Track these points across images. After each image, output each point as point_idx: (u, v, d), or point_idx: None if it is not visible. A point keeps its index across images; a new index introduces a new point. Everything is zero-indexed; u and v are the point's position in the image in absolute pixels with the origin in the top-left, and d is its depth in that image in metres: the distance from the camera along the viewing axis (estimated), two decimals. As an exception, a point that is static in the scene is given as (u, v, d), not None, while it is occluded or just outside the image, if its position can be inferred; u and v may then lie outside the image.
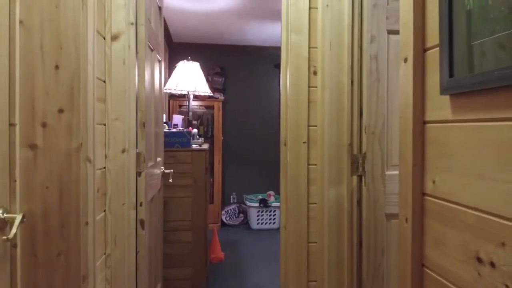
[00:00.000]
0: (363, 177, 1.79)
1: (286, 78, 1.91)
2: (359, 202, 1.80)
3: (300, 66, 1.87)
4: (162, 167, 2.57)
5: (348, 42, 1.79)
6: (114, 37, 1.72)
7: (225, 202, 5.23)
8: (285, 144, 1.92)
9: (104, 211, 1.69)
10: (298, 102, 1.86)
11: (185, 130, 3.13)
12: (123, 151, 1.72)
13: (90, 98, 1.40)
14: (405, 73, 1.08)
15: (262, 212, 4.88)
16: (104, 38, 1.69)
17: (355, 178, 1.80)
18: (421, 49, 1.05)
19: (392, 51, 1.79)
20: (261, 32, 4.72)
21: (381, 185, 1.77)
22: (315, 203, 1.87)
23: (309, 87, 1.88)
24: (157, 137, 2.39)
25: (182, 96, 4.89)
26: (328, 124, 1.79)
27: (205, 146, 3.22)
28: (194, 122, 5.09)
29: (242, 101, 5.32)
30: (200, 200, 2.95)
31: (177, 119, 3.50)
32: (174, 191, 2.92)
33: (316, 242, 1.87)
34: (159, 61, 2.52)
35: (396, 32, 1.79)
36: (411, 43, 1.05)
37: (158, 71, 2.48)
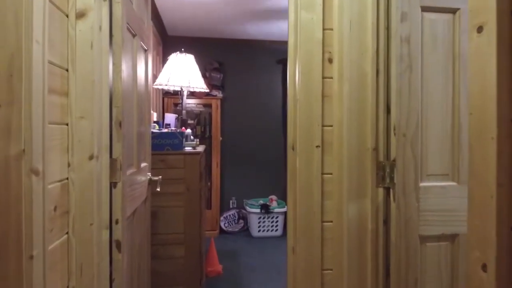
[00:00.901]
0: (391, 190, 1.44)
1: (295, 67, 1.56)
2: (386, 221, 1.45)
3: (312, 52, 1.52)
4: (149, 174, 2.22)
5: (372, 21, 1.44)
6: (80, 15, 1.37)
7: (223, 208, 4.88)
8: (293, 148, 1.57)
9: (67, 233, 1.34)
10: (309, 97, 1.51)
11: (177, 130, 2.79)
12: (91, 157, 1.38)
13: (38, 89, 1.05)
14: (480, 48, 0.73)
15: (263, 218, 4.53)
16: (67, 16, 1.34)
17: (381, 191, 1.45)
18: (508, 10, 0.69)
19: (428, 32, 1.44)
20: (262, 25, 4.37)
21: (414, 199, 1.42)
22: (331, 221, 1.52)
23: (323, 78, 1.52)
24: (141, 139, 2.04)
25: (177, 94, 4.54)
26: (347, 124, 1.44)
27: (200, 148, 2.88)
28: (190, 121, 4.74)
29: (242, 99, 4.97)
30: (194, 210, 2.60)
31: (170, 118, 3.15)
32: (164, 199, 2.57)
33: (332, 269, 1.52)
34: (145, 51, 2.17)
35: (433, 9, 1.44)
36: (493, 2, 0.70)
37: (144, 61, 2.14)
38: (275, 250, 4.12)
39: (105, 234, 1.49)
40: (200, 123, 4.83)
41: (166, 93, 4.50)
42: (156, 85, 2.93)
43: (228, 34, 4.71)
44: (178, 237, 2.59)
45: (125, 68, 1.64)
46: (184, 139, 2.63)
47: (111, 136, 1.52)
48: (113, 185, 1.54)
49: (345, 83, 1.45)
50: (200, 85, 2.95)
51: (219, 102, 4.66)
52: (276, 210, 4.54)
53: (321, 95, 1.51)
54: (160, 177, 2.24)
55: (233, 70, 4.95)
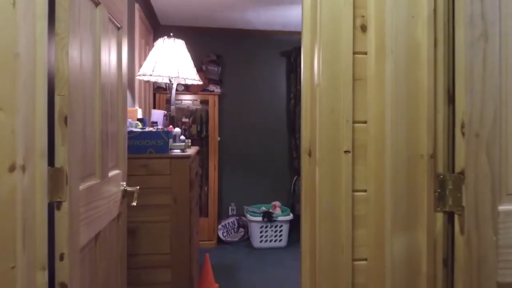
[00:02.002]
0: (456, 216, 0.98)
1: (313, 38, 1.10)
2: (448, 262, 1.00)
3: (338, 16, 1.06)
4: (123, 183, 1.77)
5: (428, -32, 0.99)
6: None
7: (222, 215, 4.43)
8: (309, 154, 1.12)
9: (-27, 283, 0.89)
10: (334, 81, 1.06)
11: (164, 129, 2.34)
12: (13, 168, 0.92)
13: None
14: None
15: (266, 227, 4.08)
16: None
17: (440, 217, 1.00)
18: None
19: (511, -16, 0.98)
20: (265, 14, 3.92)
21: (491, 230, 0.96)
22: (365, 260, 1.07)
23: (354, 53, 1.07)
24: (111, 140, 1.59)
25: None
26: (392, 119, 0.98)
27: (192, 150, 2.42)
28: (185, 119, 4.29)
29: (242, 95, 4.52)
30: (182, 226, 2.15)
31: (157, 115, 2.70)
32: (146, 213, 2.12)
33: (367, 329, 1.07)
34: (118, 29, 1.72)
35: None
36: None
37: (116, 42, 1.68)
38: (278, 263, 3.66)
39: (42, 276, 1.04)
40: (196, 121, 4.38)
41: (158, 88, 4.05)
42: (139, 75, 2.48)
43: (227, 23, 4.26)
44: (163, 258, 2.14)
45: (77, 44, 1.19)
46: (170, 140, 2.17)
47: (51, 137, 1.08)
48: (55, 205, 1.10)
49: (387, 59, 0.99)
50: (192, 76, 2.49)
51: (216, 98, 4.20)
52: (280, 218, 4.08)
53: (351, 78, 1.06)
54: (138, 187, 1.79)
55: (232, 63, 4.49)
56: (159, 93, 4.08)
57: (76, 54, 1.18)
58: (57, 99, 1.10)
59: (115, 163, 1.68)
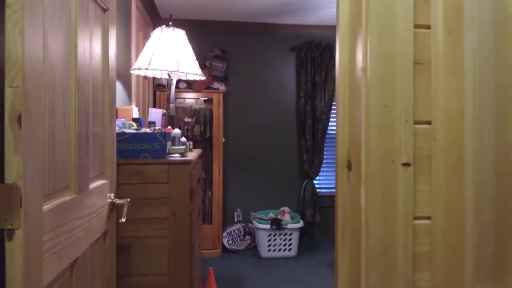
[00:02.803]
0: None
1: (361, 3, 0.81)
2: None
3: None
4: (111, 195, 1.49)
5: None
6: None
7: (227, 222, 4.14)
8: (349, 167, 0.82)
9: None
10: (387, 65, 0.76)
11: (161, 130, 2.05)
12: None
13: None
14: None
15: (274, 235, 3.78)
16: None
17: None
18: None
19: None
20: (273, 5, 3.63)
21: None
22: (431, 315, 0.77)
23: (415, 27, 0.77)
24: (95, 143, 1.31)
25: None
26: (474, 119, 0.69)
27: (193, 154, 2.14)
28: (188, 119, 4.01)
29: (249, 93, 4.23)
30: (182, 242, 1.86)
31: (155, 114, 2.42)
32: (140, 228, 1.84)
33: None
34: (103, 11, 1.43)
35: None
36: None
37: (101, 27, 1.40)
38: (288, 275, 3.37)
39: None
40: (199, 121, 4.10)
41: (158, 86, 3.77)
42: (134, 69, 2.20)
43: (232, 15, 3.97)
44: (160, 280, 1.86)
45: (39, 21, 0.90)
46: (168, 143, 1.89)
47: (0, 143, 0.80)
48: (6, 235, 0.82)
49: (466, 33, 0.70)
50: (194, 70, 2.20)
51: (221, 96, 3.91)
52: (290, 226, 3.79)
53: (411, 62, 0.76)
54: (128, 200, 1.51)
55: (238, 58, 4.20)
56: (160, 90, 3.79)
57: (37, 35, 0.89)
58: (7, 92, 0.81)
59: (99, 172, 1.40)
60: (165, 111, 2.40)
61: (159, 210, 1.85)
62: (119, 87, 2.43)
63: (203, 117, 4.08)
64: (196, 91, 3.86)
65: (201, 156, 2.69)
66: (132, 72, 2.25)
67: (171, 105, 2.26)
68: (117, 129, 1.94)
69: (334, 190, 4.24)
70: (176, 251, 1.86)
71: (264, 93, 4.24)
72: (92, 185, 1.30)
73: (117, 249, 1.78)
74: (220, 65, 3.88)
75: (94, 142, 1.33)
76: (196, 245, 2.03)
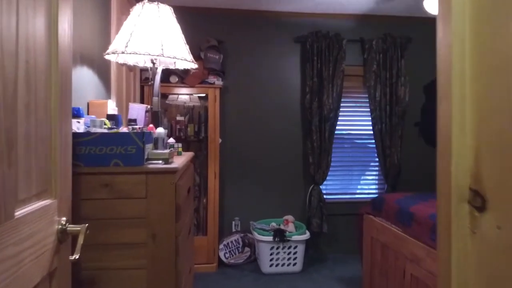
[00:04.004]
0: None
1: None
2: None
3: None
4: (63, 219, 1.07)
5: None
6: None
7: (224, 232, 3.72)
8: (475, 204, 0.39)
9: None
10: None
11: (141, 129, 1.63)
12: None
13: None
14: None
15: (277, 248, 3.36)
16: None
17: None
18: None
19: None
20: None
21: None
22: None
23: None
24: (28, 148, 0.89)
25: (164, 80, 3.39)
26: None
27: (181, 159, 1.71)
28: (180, 117, 3.58)
29: (249, 88, 3.81)
30: (164, 274, 1.44)
31: (136, 110, 1.99)
32: (110, 256, 1.42)
33: None
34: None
35: None
36: None
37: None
38: (294, 297, 2.96)
39: None
40: (194, 120, 3.67)
41: (146, 79, 3.34)
42: (108, 53, 1.77)
43: (230, 2, 3.55)
44: (135, 324, 1.43)
45: None
46: (148, 146, 1.46)
47: None
48: None
49: None
50: (183, 55, 1.78)
51: (217, 92, 3.49)
52: (295, 237, 3.37)
53: None
54: (86, 225, 1.09)
55: (236, 50, 3.78)
56: (148, 85, 3.36)
57: None
58: None
59: (40, 189, 0.97)
60: (148, 106, 1.98)
61: (134, 234, 1.42)
62: (91, 77, 2.00)
63: (197, 116, 3.65)
64: (190, 86, 3.43)
65: (192, 160, 2.27)
66: (106, 57, 1.83)
67: (155, 99, 1.84)
68: (82, 128, 1.52)
69: (343, 196, 3.79)
70: (158, 285, 1.44)
71: (266, 88, 3.82)
72: (23, 211, 0.88)
73: (79, 285, 1.36)
74: (217, 57, 3.46)
75: (29, 146, 0.90)
76: (182, 275, 1.60)
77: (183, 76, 3.42)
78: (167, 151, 1.48)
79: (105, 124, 1.68)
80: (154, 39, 1.71)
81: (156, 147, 1.61)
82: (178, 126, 3.55)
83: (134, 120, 1.84)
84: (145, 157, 1.43)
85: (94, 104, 1.88)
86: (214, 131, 3.46)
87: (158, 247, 1.43)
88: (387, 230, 2.77)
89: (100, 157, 1.39)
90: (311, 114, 3.71)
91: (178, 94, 3.57)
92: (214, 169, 3.45)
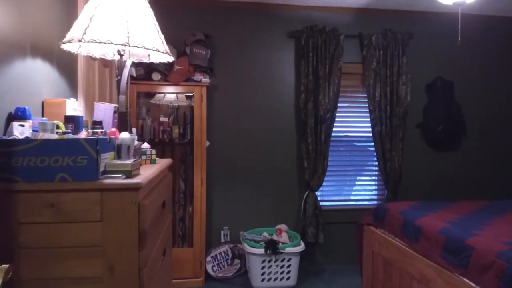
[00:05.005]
0: None
1: None
2: None
3: None
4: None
5: None
6: None
7: (211, 243, 3.42)
8: None
9: None
10: None
11: (103, 133, 1.34)
12: None
13: None
14: None
15: (269, 261, 3.08)
16: None
17: None
18: None
19: None
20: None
21: None
22: None
23: None
24: None
25: (146, 78, 3.09)
26: None
27: (150, 170, 1.42)
28: (163, 118, 3.29)
29: (238, 86, 3.52)
30: (126, 316, 1.15)
31: (103, 111, 1.70)
32: (55, 295, 1.13)
33: None
34: None
35: None
36: None
37: None
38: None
39: None
40: (179, 121, 3.38)
41: (132, 78, 3.03)
42: (64, 42, 1.47)
43: (219, -7, 3.26)
44: None
45: None
46: (104, 155, 1.17)
47: None
48: None
49: None
50: (154, 45, 1.49)
51: (204, 90, 3.19)
52: (288, 249, 3.09)
53: None
54: (6, 266, 0.80)
55: (225, 45, 3.49)
56: (135, 83, 3.06)
57: None
58: None
59: None
60: (115, 106, 1.68)
61: (87, 266, 1.13)
62: (49, 71, 1.70)
63: (182, 116, 3.36)
64: (174, 84, 3.14)
65: (170, 168, 1.98)
66: (62, 46, 1.53)
67: (121, 98, 1.54)
68: (28, 133, 1.23)
69: (340, 203, 3.50)
70: (116, 331, 1.15)
71: (257, 87, 3.53)
72: None
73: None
74: (203, 52, 3.16)
75: None
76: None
77: (167, 73, 3.12)
78: (129, 161, 1.19)
79: (58, 128, 1.39)
80: (119, 25, 1.42)
81: (119, 156, 1.32)
82: (161, 128, 3.25)
83: (100, 123, 1.55)
84: (101, 169, 1.14)
85: (50, 104, 1.58)
86: (201, 133, 3.17)
87: (117, 282, 1.14)
88: (390, 244, 2.50)
89: (42, 170, 1.10)
90: (306, 115, 3.44)
91: (164, 93, 3.27)
92: (200, 175, 3.16)
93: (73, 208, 1.12)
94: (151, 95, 3.32)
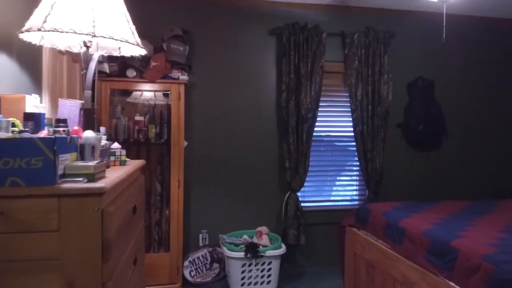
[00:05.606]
0: None
1: None
2: None
3: None
4: None
5: None
6: None
7: (189, 247, 3.30)
8: None
9: None
10: None
11: (65, 131, 1.21)
12: None
13: None
14: None
15: (249, 265, 2.98)
16: None
17: None
18: None
19: None
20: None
21: None
22: None
23: None
24: None
25: (121, 75, 2.94)
26: None
27: (118, 173, 1.30)
28: (139, 117, 3.14)
29: (218, 84, 3.41)
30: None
31: (68, 108, 1.56)
32: (5, 315, 0.99)
33: None
34: None
35: None
36: None
37: None
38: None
39: None
40: (155, 120, 3.23)
41: (99, 73, 2.87)
42: (22, 32, 1.33)
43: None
44: None
45: None
46: (63, 156, 1.05)
47: None
48: None
49: None
50: (123, 35, 1.37)
51: (182, 88, 3.06)
52: (269, 253, 3.00)
53: None
54: None
55: (204, 42, 3.37)
56: (102, 79, 2.90)
57: None
58: None
59: None
60: (80, 102, 1.55)
61: (42, 282, 1.01)
62: (7, 64, 1.55)
63: (159, 115, 3.22)
64: (149, 82, 2.99)
65: (143, 169, 1.85)
66: (21, 36, 1.39)
67: (87, 93, 1.41)
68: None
69: (321, 204, 3.43)
70: None
71: (237, 85, 3.43)
72: None
73: None
74: (181, 49, 3.04)
75: None
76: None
77: (142, 70, 2.98)
78: (92, 163, 1.07)
79: (14, 126, 1.25)
80: (83, 13, 1.29)
81: (82, 158, 1.19)
82: (137, 127, 3.10)
83: (64, 121, 1.41)
84: (59, 172, 1.02)
85: (8, 100, 1.43)
86: (178, 132, 3.04)
87: (78, 299, 1.02)
88: (373, 246, 2.44)
89: (-11, 174, 0.97)
90: (287, 114, 3.36)
91: (141, 90, 3.12)
92: (177, 177, 3.03)
93: (27, 216, 0.99)
94: (127, 93, 3.16)
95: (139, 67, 2.97)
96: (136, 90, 3.12)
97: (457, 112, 3.81)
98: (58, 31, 1.25)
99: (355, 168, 3.73)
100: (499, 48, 3.87)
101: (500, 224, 2.17)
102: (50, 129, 1.33)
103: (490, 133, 3.89)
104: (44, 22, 1.26)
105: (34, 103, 1.52)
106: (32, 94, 1.56)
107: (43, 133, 1.29)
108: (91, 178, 1.06)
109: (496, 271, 1.54)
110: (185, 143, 3.16)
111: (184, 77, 3.06)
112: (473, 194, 3.71)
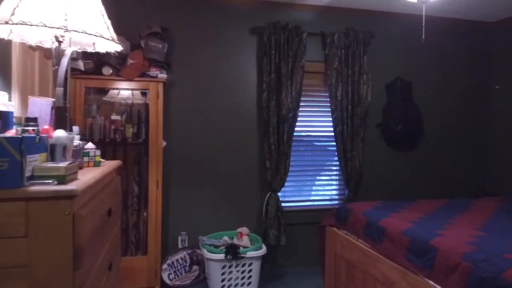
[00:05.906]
0: None
1: None
2: None
3: None
4: None
5: None
6: None
7: (168, 249, 3.23)
8: None
9: None
10: None
11: (35, 131, 1.15)
12: None
13: None
14: None
15: (230, 267, 2.94)
16: None
17: None
18: None
19: None
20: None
21: None
22: None
23: None
24: None
25: (97, 72, 2.85)
26: None
27: (92, 174, 1.24)
28: (115, 117, 3.05)
29: (197, 83, 3.35)
30: None
31: (39, 105, 1.48)
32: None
33: None
34: None
35: None
36: None
37: None
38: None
39: None
40: (132, 119, 3.15)
41: (74, 70, 2.77)
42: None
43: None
44: None
45: None
46: (31, 156, 0.98)
47: None
48: None
49: None
50: (97, 30, 1.30)
51: (160, 87, 2.99)
52: (250, 254, 2.96)
53: None
54: None
55: (184, 40, 3.30)
56: (75, 77, 2.80)
57: None
58: None
59: None
60: (52, 100, 1.47)
61: (8, 291, 0.94)
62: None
63: (136, 114, 3.13)
64: (126, 80, 2.91)
65: (118, 170, 1.78)
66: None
67: (58, 90, 1.34)
68: None
69: (301, 204, 3.42)
70: None
71: (218, 84, 3.38)
72: None
73: None
74: (159, 46, 2.96)
75: None
76: None
77: (119, 68, 2.89)
78: (63, 164, 1.01)
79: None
80: (54, 6, 1.22)
81: (52, 158, 1.13)
82: (113, 127, 3.01)
83: (35, 120, 1.33)
84: (26, 174, 0.95)
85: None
86: (156, 132, 2.97)
87: (47, 309, 0.96)
88: (353, 246, 2.45)
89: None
90: (268, 114, 3.33)
91: (118, 88, 3.03)
92: (156, 177, 2.95)
93: (-10, 221, 0.92)
94: (103, 91, 3.07)
95: (116, 65, 2.88)
96: (112, 89, 3.03)
97: (434, 112, 3.88)
98: (27, 24, 1.17)
99: (334, 168, 3.75)
100: (476, 49, 3.97)
101: (477, 222, 2.20)
102: (19, 128, 1.25)
103: (465, 133, 3.98)
104: (12, 14, 1.19)
105: (2, 101, 1.43)
106: (0, 92, 1.47)
107: (11, 133, 1.22)
108: (62, 180, 1.00)
109: (475, 270, 1.56)
110: (164, 143, 3.09)
111: (162, 75, 2.98)
112: (450, 193, 3.78)
